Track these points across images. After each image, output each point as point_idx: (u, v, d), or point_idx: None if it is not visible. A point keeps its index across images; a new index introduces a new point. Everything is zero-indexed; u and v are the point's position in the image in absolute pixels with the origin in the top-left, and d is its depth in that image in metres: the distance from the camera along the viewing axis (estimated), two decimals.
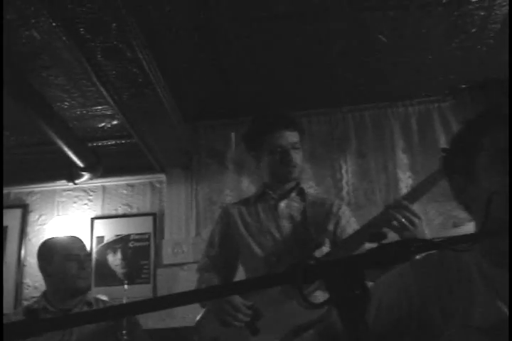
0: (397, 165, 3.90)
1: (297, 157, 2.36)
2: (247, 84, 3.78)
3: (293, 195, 2.44)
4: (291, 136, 2.36)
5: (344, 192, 3.95)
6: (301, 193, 2.46)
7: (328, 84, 3.83)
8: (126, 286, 2.36)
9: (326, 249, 2.28)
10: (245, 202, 2.54)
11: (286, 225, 2.36)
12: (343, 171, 4.00)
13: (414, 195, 2.02)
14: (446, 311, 1.19)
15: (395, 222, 1.94)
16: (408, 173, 3.86)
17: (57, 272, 2.65)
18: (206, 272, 2.42)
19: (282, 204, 2.42)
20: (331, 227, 2.35)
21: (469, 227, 3.53)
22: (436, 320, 1.20)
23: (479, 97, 3.69)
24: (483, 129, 1.19)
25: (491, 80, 3.67)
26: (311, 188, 3.97)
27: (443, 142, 3.75)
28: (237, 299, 2.12)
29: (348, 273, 0.79)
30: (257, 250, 2.34)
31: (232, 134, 4.22)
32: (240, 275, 2.51)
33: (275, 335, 2.05)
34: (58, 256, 2.67)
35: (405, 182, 3.81)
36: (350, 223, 2.38)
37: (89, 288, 2.73)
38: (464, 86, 3.87)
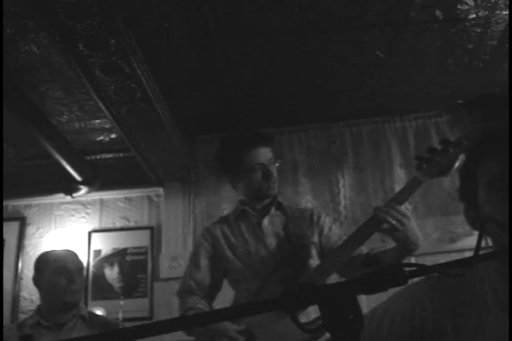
0: (395, 179, 3.91)
1: (275, 172, 2.36)
2: (246, 99, 3.80)
3: (273, 210, 2.43)
4: (267, 152, 2.35)
5: (341, 207, 3.96)
6: (280, 207, 2.45)
7: (326, 99, 3.86)
8: (122, 302, 2.35)
9: (313, 261, 2.28)
10: (225, 220, 2.51)
11: (272, 242, 2.35)
12: (341, 185, 4.01)
13: (401, 197, 2.04)
14: (458, 328, 1.20)
15: (385, 225, 1.95)
16: None
17: (47, 285, 2.65)
18: (189, 296, 2.36)
19: (265, 221, 2.40)
20: (315, 239, 2.35)
21: (466, 242, 3.56)
22: (449, 337, 1.21)
23: (476, 112, 3.72)
24: (477, 159, 1.21)
25: (487, 96, 3.70)
26: (308, 202, 3.98)
27: None
28: (229, 326, 2.08)
29: (341, 298, 0.80)
30: (248, 273, 2.32)
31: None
32: (224, 293, 2.49)
33: None
34: (49, 269, 2.67)
35: None
36: (332, 230, 2.39)
37: (77, 303, 2.70)
38: (460, 101, 3.90)
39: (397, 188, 3.83)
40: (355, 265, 2.17)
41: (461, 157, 1.94)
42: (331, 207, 3.97)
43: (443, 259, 3.75)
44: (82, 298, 3.01)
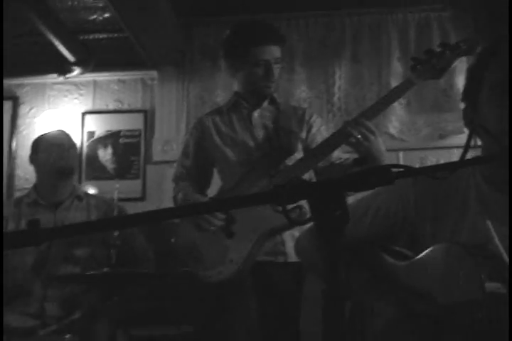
0: (391, 73, 3.87)
1: (277, 73, 2.36)
2: None
3: (265, 104, 2.46)
4: (275, 51, 2.33)
5: (335, 98, 3.95)
6: (273, 102, 2.48)
7: None
8: (117, 185, 2.43)
9: (298, 155, 2.35)
10: (218, 111, 2.55)
11: (260, 134, 2.40)
12: (336, 76, 3.97)
13: (375, 110, 2.10)
14: (437, 225, 1.27)
15: (351, 138, 2.03)
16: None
17: (41, 158, 2.75)
18: (181, 181, 2.48)
19: (256, 113, 2.44)
20: (303, 135, 2.41)
21: (455, 140, 3.61)
22: (427, 231, 1.28)
23: (479, 9, 3.60)
24: (486, 62, 1.22)
25: None
26: (302, 93, 3.97)
27: None
28: None
29: (330, 194, 0.84)
30: (233, 158, 2.39)
31: (227, 32, 4.12)
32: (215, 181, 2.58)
33: (250, 238, 2.15)
34: (43, 146, 2.76)
35: None
36: (320, 131, 2.45)
37: (72, 170, 2.79)
38: None
39: (393, 82, 3.81)
40: (332, 172, 2.27)
41: (457, 61, 1.96)
42: (325, 98, 3.96)
43: (431, 156, 3.83)
44: (76, 168, 3.08)
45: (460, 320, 1.07)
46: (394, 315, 1.23)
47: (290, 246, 2.21)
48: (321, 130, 2.45)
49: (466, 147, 0.90)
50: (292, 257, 2.21)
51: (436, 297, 1.14)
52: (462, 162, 0.90)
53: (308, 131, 2.43)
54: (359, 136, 2.01)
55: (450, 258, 1.15)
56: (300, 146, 2.39)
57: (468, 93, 1.27)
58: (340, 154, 2.33)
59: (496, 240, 1.12)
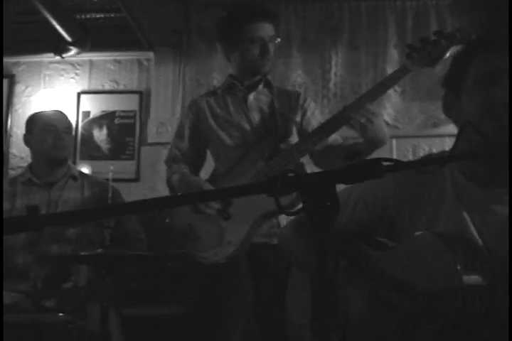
0: (387, 60, 3.88)
1: (272, 51, 2.38)
2: None
3: (260, 87, 2.48)
4: (270, 29, 2.36)
5: (331, 84, 3.96)
6: (268, 85, 2.50)
7: None
8: (112, 167, 2.46)
9: (293, 138, 2.38)
10: (213, 94, 2.57)
11: (255, 117, 2.43)
12: (333, 62, 3.97)
13: (374, 93, 2.13)
14: (415, 215, 1.31)
15: (354, 122, 2.06)
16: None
17: (36, 142, 2.77)
18: (174, 163, 2.50)
19: (251, 96, 2.46)
20: (297, 118, 2.44)
21: (448, 128, 3.63)
22: (405, 222, 1.32)
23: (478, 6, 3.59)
24: (473, 52, 1.24)
25: None
26: (298, 77, 3.97)
27: None
28: (208, 187, 2.23)
29: (321, 186, 0.87)
30: (228, 141, 2.42)
31: (225, 14, 4.11)
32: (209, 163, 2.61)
33: (246, 220, 2.19)
34: (37, 128, 2.77)
35: None
36: (315, 115, 2.48)
37: (66, 159, 2.81)
38: None
39: (389, 69, 3.82)
40: (330, 154, 2.30)
41: (452, 49, 1.98)
42: (320, 83, 3.97)
43: (423, 143, 3.85)
44: (70, 154, 3.12)
45: (437, 308, 1.10)
46: (365, 303, 1.27)
47: None
48: (315, 114, 2.49)
49: (457, 142, 0.92)
50: None
51: (415, 285, 1.17)
52: (451, 157, 0.93)
53: (303, 115, 2.46)
54: (362, 120, 2.04)
55: (428, 246, 1.19)
56: (294, 130, 2.42)
57: (451, 80, 1.29)
58: (337, 137, 2.36)
59: (472, 230, 1.15)
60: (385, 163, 0.90)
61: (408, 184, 1.32)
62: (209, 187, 2.24)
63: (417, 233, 1.24)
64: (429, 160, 0.93)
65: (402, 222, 1.33)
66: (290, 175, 0.87)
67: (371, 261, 1.31)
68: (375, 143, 2.11)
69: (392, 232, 1.35)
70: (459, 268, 1.08)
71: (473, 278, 1.07)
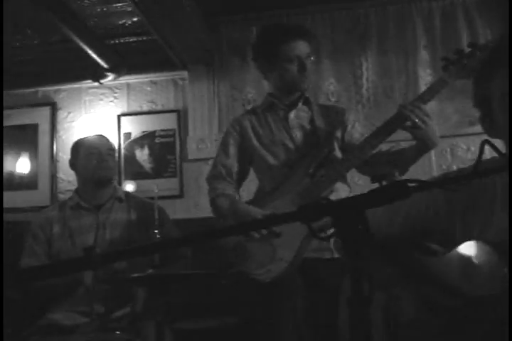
0: (418, 62, 3.87)
1: (309, 67, 2.41)
2: None
3: (300, 104, 2.50)
4: (305, 46, 2.39)
5: (364, 89, 3.98)
6: (307, 102, 2.52)
7: None
8: (156, 189, 2.52)
9: (336, 154, 2.41)
10: (253, 112, 2.59)
11: (297, 135, 2.45)
12: (364, 68, 4.00)
13: (427, 95, 2.16)
14: (467, 223, 1.33)
15: (408, 122, 2.08)
16: (428, 71, 3.85)
17: (81, 165, 2.87)
18: (218, 181, 2.53)
19: (292, 114, 2.49)
20: (338, 134, 2.46)
21: None
22: (458, 230, 1.34)
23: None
24: (490, 72, 1.26)
25: None
26: (331, 85, 4.01)
27: (465, 39, 3.70)
28: (256, 214, 2.27)
29: (351, 211, 0.92)
30: (272, 161, 2.45)
31: (254, 28, 4.18)
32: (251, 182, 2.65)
33: (296, 236, 2.20)
34: (82, 152, 2.87)
35: (425, 79, 3.81)
36: (355, 127, 2.50)
37: (111, 179, 2.90)
38: None
39: (420, 71, 3.83)
40: (375, 162, 2.31)
41: None
42: (353, 90, 3.99)
43: (461, 142, 3.83)
44: (115, 175, 3.20)
45: (484, 314, 1.13)
46: (416, 308, 1.29)
47: None
48: (355, 126, 2.50)
49: (478, 160, 0.95)
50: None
51: (464, 291, 1.20)
52: (475, 173, 0.96)
53: (344, 129, 2.48)
54: (417, 120, 2.07)
55: (478, 253, 1.21)
56: (336, 146, 2.44)
57: (479, 101, 1.31)
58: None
59: None
60: (411, 184, 0.93)
61: (457, 194, 1.34)
62: (257, 213, 2.27)
63: (469, 240, 1.25)
64: (453, 178, 0.97)
65: (454, 228, 1.35)
66: (322, 202, 0.92)
67: (423, 267, 1.33)
68: (428, 144, 2.14)
69: (444, 239, 1.37)
70: (504, 274, 1.10)
71: None
